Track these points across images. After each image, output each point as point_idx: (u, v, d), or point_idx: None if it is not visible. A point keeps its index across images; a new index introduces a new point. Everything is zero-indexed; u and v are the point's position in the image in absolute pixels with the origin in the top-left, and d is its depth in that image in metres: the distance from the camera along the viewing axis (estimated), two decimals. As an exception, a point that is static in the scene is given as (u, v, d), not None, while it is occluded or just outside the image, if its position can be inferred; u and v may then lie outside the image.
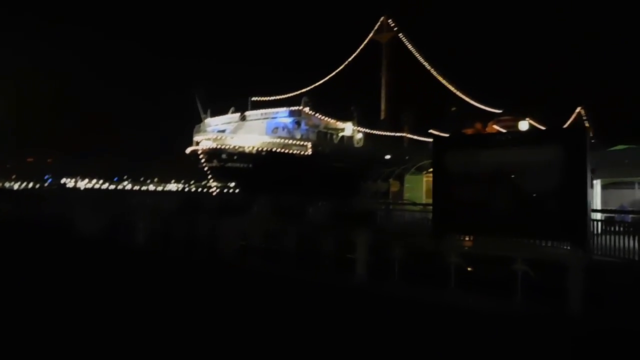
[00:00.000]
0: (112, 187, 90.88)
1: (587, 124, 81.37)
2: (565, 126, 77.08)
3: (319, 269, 8.73)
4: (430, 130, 65.18)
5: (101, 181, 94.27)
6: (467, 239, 9.36)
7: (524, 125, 26.16)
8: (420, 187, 28.28)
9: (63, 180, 77.33)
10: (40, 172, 71.15)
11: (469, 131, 68.69)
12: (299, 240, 9.77)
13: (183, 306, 7.19)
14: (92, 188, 78.12)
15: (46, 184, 69.08)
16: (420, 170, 31.10)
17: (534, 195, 7.11)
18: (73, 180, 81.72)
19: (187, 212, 18.10)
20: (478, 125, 69.23)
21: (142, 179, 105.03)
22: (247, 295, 7.91)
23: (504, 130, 66.96)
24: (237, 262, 10.17)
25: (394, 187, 34.40)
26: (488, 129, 69.43)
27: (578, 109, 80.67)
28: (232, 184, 56.67)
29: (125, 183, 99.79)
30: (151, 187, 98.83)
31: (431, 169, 30.18)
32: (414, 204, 25.17)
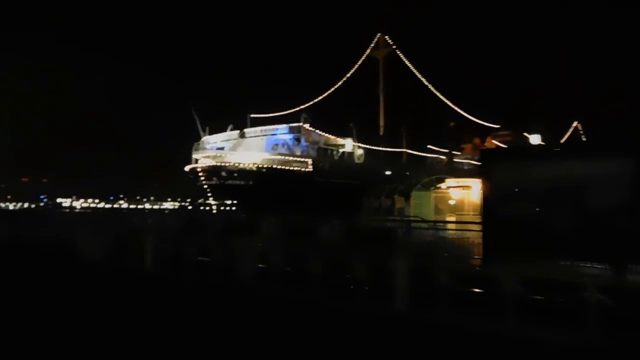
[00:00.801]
0: (109, 206, 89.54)
1: (583, 138, 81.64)
2: (562, 141, 77.23)
3: (350, 295, 7.96)
4: (429, 146, 65.21)
5: (97, 200, 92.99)
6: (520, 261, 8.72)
7: (535, 139, 25.75)
8: (428, 203, 27.65)
9: (59, 200, 76.06)
10: (35, 192, 69.98)
11: (468, 146, 68.78)
12: (322, 263, 9.03)
13: (205, 340, 6.39)
14: (89, 207, 76.79)
15: (42, 204, 67.86)
16: (426, 186, 30.56)
17: (605, 212, 6.50)
18: (69, 200, 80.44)
19: (194, 231, 17.29)
20: (476, 140, 69.32)
21: (137, 197, 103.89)
22: (274, 327, 7.12)
23: (503, 145, 67.11)
24: (257, 287, 9.35)
25: (399, 203, 33.75)
26: (487, 144, 69.47)
27: (575, 124, 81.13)
28: (231, 202, 55.77)
29: (121, 202, 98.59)
30: (147, 206, 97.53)
31: (440, 185, 29.76)
32: (424, 221, 24.53)
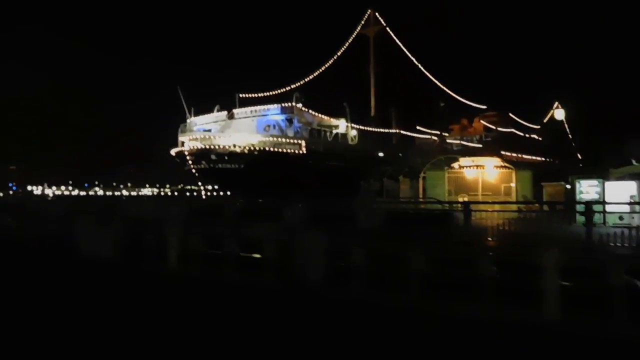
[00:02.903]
0: (83, 193, 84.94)
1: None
2: (544, 120, 77.62)
3: (473, 300, 6.17)
4: (419, 127, 63.95)
5: (70, 188, 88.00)
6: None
7: (559, 113, 24.43)
8: (442, 183, 26.16)
9: (29, 188, 71.11)
10: (3, 180, 65.00)
11: (456, 127, 67.98)
12: (423, 259, 7.16)
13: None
14: (63, 195, 72.22)
15: (10, 192, 63.12)
16: (437, 165, 29.08)
17: None
18: (40, 188, 75.36)
19: (206, 220, 15.10)
20: (464, 121, 68.55)
21: (114, 184, 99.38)
22: (375, 341, 5.30)
23: (490, 126, 66.62)
24: (330, 290, 7.38)
25: (404, 184, 32.16)
26: (475, 124, 68.87)
27: (556, 104, 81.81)
28: (214, 186, 53.00)
29: (96, 189, 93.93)
30: (124, 193, 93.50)
31: (453, 164, 28.30)
32: (440, 202, 23.04)
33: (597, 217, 14.89)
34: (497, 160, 26.97)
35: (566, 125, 79.35)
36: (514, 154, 51.28)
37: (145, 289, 8.47)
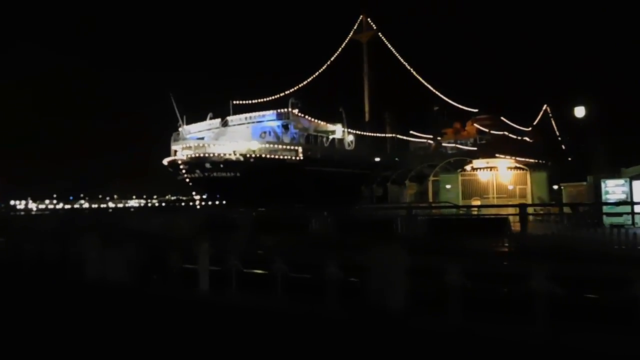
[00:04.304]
0: (68, 206, 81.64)
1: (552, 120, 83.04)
2: (534, 123, 77.87)
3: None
4: (412, 131, 63.20)
5: (54, 202, 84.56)
6: None
7: (580, 111, 23.63)
8: (455, 187, 24.99)
9: (12, 202, 67.65)
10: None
11: (449, 131, 67.51)
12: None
13: None
14: (47, 209, 68.87)
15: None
16: (446, 169, 27.96)
17: None
18: (23, 202, 71.83)
19: (219, 233, 13.49)
20: (457, 125, 68.22)
21: (100, 196, 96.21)
22: None
23: (483, 129, 66.24)
24: (416, 320, 5.89)
25: (411, 189, 30.92)
26: (468, 128, 68.57)
27: (544, 107, 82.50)
28: (213, 195, 50.93)
29: (82, 202, 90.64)
30: (111, 205, 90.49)
31: (468, 166, 27.17)
32: (456, 206, 21.83)
33: (624, 219, 13.89)
34: (510, 162, 25.96)
35: (555, 126, 79.62)
36: (510, 157, 50.96)
37: (171, 321, 6.84)
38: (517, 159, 28.12)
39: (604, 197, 17.58)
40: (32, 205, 71.64)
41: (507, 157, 29.39)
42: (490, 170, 25.13)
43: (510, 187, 24.45)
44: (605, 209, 16.06)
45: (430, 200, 25.93)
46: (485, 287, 5.59)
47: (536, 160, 58.90)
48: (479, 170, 25.12)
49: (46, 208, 73.50)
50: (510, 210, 14.72)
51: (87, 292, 8.90)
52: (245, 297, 7.48)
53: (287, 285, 7.46)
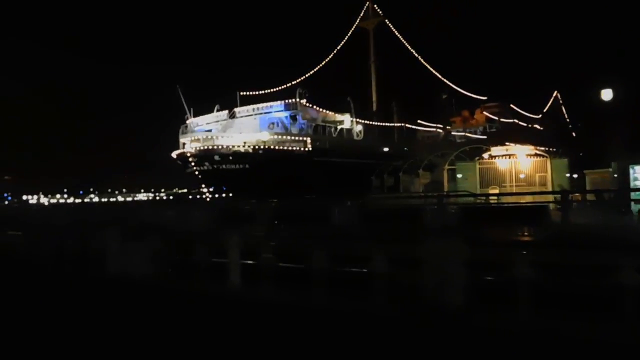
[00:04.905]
0: (79, 200, 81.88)
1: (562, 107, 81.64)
2: (545, 110, 76.49)
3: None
4: (420, 120, 62.19)
5: (65, 196, 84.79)
6: None
7: (607, 94, 22.70)
8: (474, 175, 24.25)
9: (24, 197, 67.78)
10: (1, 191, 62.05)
11: (458, 119, 66.37)
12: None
13: None
14: (59, 203, 68.92)
15: (6, 202, 59.97)
16: (462, 156, 27.22)
17: None
18: (35, 197, 71.93)
19: (238, 225, 12.96)
20: (465, 113, 67.04)
21: (109, 190, 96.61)
22: None
23: (492, 117, 65.04)
24: (480, 317, 5.31)
25: (424, 179, 30.21)
26: (476, 116, 67.35)
27: (555, 93, 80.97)
28: (223, 187, 50.44)
29: (91, 196, 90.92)
30: (120, 198, 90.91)
31: (485, 154, 26.48)
32: (473, 195, 21.17)
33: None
34: (530, 149, 25.12)
35: (565, 113, 78.20)
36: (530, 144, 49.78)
37: (204, 320, 6.32)
38: (537, 147, 27.28)
39: (632, 184, 16.88)
40: (44, 200, 71.81)
41: (526, 144, 28.47)
42: (509, 157, 24.35)
43: (523, 176, 23.66)
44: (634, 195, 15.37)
45: (446, 189, 25.25)
46: (559, 280, 4.97)
47: (549, 148, 57.81)
48: (497, 158, 24.36)
49: (57, 202, 73.66)
50: (547, 198, 14.01)
51: (110, 288, 8.41)
52: (282, 293, 6.92)
53: (325, 280, 6.89)
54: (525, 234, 9.01)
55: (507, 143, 36.54)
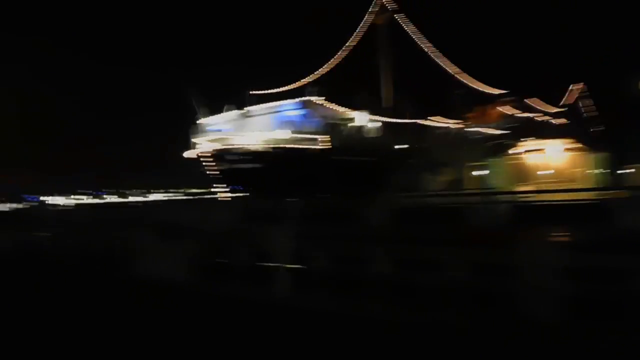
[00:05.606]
0: (97, 201, 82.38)
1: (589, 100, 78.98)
2: (570, 103, 74.11)
3: None
4: (434, 116, 60.97)
5: (80, 196, 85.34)
6: None
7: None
8: (501, 171, 23.31)
9: (42, 198, 68.16)
10: (14, 191, 62.40)
11: (472, 115, 64.97)
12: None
13: None
14: (83, 203, 69.12)
15: (29, 203, 60.36)
16: (489, 153, 26.26)
17: None
18: (54, 197, 72.31)
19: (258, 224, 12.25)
20: (480, 109, 65.59)
21: (126, 190, 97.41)
22: None
23: (509, 112, 63.61)
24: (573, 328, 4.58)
25: (445, 176, 29.30)
26: (492, 111, 65.90)
27: (580, 85, 78.54)
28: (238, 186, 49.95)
29: (105, 196, 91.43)
30: (133, 198, 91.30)
31: (513, 149, 25.45)
32: (502, 192, 20.20)
33: None
34: (563, 143, 24.08)
35: (587, 106, 76.01)
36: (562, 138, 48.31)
37: (250, 330, 5.59)
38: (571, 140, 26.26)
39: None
40: (61, 200, 72.12)
41: (559, 138, 27.38)
42: (540, 152, 23.41)
43: (550, 171, 22.64)
44: None
45: (469, 187, 24.36)
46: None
47: (579, 142, 56.10)
48: (526, 153, 23.42)
49: (78, 202, 74.05)
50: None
51: (141, 292, 7.74)
52: (338, 301, 6.14)
53: (389, 287, 6.11)
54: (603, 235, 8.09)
55: (535, 138, 35.48)
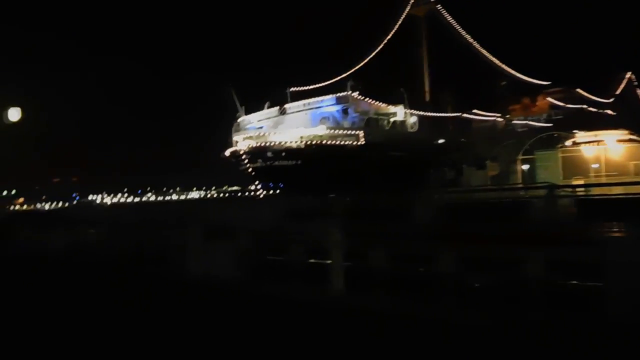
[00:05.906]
0: (137, 199, 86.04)
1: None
2: (617, 93, 69.71)
3: None
4: (477, 110, 58.59)
5: (125, 195, 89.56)
6: None
7: None
8: (555, 165, 21.91)
9: (90, 197, 72.31)
10: (67, 191, 66.59)
11: (518, 107, 61.95)
12: None
13: None
14: (119, 202, 72.84)
15: (74, 202, 64.24)
16: (541, 145, 24.80)
17: None
18: (99, 196, 76.59)
19: (304, 221, 12.10)
20: (526, 100, 62.49)
21: (164, 189, 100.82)
22: None
23: (557, 103, 60.12)
24: None
25: (493, 170, 27.97)
26: (539, 103, 62.66)
27: (628, 75, 73.73)
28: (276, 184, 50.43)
29: (148, 195, 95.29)
30: (174, 197, 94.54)
31: (568, 141, 23.90)
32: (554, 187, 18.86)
33: None
34: (621, 133, 22.34)
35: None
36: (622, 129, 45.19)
37: (308, 334, 5.39)
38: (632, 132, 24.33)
39: None
40: (107, 199, 76.34)
41: (612, 129, 25.48)
42: (597, 144, 21.82)
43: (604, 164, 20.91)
44: None
45: (520, 181, 23.11)
46: None
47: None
48: (582, 145, 21.90)
49: (119, 201, 78.03)
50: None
51: (194, 291, 7.75)
52: (404, 304, 5.81)
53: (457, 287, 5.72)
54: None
55: (587, 129, 33.16)
